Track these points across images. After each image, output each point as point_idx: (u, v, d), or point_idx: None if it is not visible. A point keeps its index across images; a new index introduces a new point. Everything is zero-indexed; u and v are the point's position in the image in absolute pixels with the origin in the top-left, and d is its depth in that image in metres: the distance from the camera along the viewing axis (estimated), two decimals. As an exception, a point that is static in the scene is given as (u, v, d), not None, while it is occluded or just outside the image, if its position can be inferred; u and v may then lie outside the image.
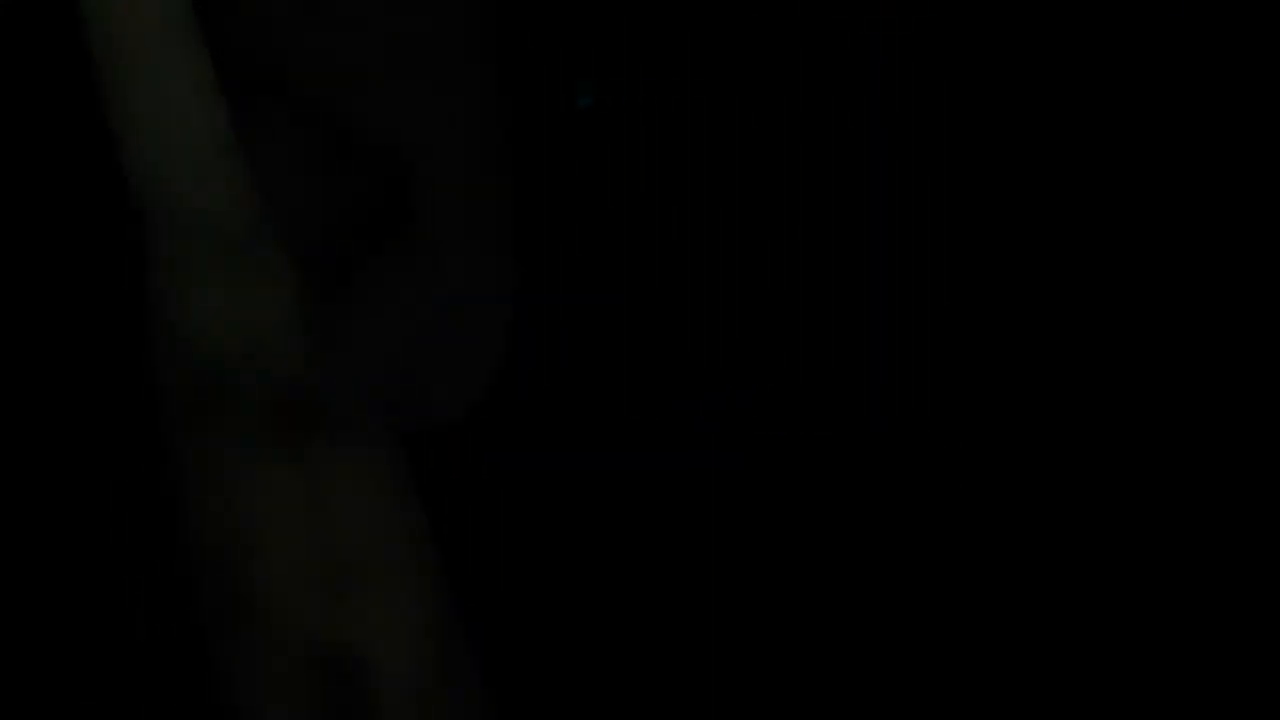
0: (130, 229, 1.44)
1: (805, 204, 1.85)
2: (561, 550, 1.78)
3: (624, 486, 1.79)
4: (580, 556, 1.78)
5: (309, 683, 1.42)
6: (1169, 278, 1.83)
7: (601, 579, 1.78)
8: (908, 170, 1.84)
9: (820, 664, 1.76)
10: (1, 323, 1.76)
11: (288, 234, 1.46)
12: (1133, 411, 1.81)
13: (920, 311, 1.83)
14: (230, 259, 1.43)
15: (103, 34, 1.38)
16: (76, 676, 1.68)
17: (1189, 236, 1.83)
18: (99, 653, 1.69)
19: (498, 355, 1.56)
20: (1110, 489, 1.79)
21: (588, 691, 1.74)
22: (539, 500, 1.78)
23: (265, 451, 1.43)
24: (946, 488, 1.80)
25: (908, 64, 1.84)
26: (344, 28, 1.49)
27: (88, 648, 1.69)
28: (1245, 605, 1.76)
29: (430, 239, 1.52)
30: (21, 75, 1.76)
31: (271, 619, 1.43)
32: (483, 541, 1.75)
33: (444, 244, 1.52)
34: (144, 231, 1.42)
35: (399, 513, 1.48)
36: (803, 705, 1.75)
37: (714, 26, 1.84)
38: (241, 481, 1.43)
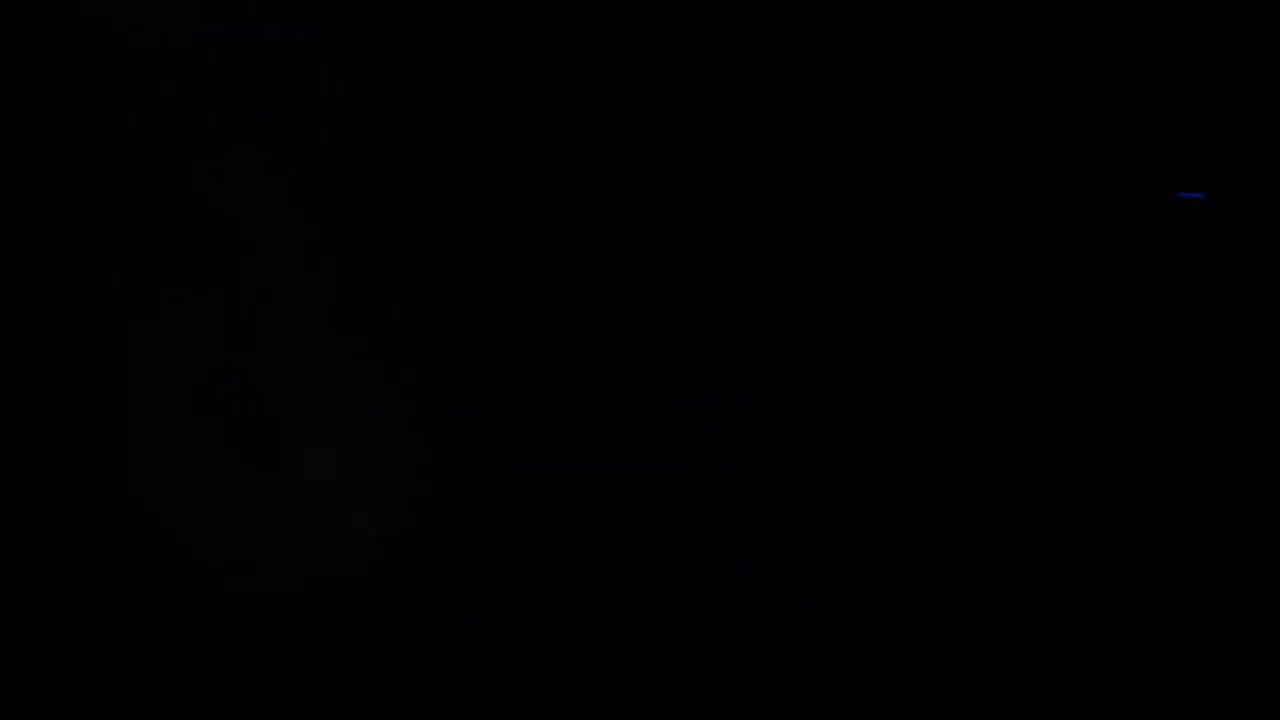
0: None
1: (805, 204, 1.85)
2: (561, 550, 1.78)
3: (624, 486, 1.79)
4: (580, 557, 1.78)
5: None
6: (1171, 277, 1.83)
7: (601, 579, 1.78)
8: (908, 170, 1.84)
9: (819, 663, 1.76)
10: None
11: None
12: (1133, 412, 1.81)
13: (920, 311, 1.83)
14: None
15: None
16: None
17: (1192, 236, 1.83)
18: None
19: None
20: (1110, 489, 1.79)
21: (587, 691, 1.74)
22: (539, 500, 1.78)
23: None
24: (946, 488, 1.80)
25: (908, 64, 1.85)
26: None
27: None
28: (1245, 606, 1.76)
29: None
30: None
31: None
32: (483, 541, 1.75)
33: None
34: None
35: None
36: (802, 705, 1.75)
37: (713, 26, 1.85)
38: None
